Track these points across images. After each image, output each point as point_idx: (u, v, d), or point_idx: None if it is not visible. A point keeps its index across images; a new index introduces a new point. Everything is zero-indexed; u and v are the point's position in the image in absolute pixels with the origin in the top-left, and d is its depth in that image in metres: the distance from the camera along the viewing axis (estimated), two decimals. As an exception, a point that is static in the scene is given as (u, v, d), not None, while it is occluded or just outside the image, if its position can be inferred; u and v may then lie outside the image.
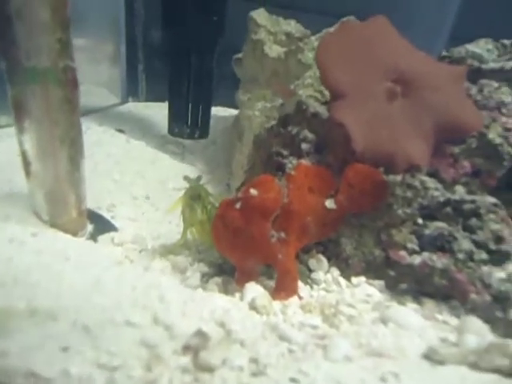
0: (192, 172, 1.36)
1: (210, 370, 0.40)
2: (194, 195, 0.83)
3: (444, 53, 1.05)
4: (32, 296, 0.43)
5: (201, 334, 0.43)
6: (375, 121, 0.69)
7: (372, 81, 0.72)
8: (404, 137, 0.68)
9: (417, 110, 0.71)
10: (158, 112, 1.94)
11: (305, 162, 0.69)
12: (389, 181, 0.67)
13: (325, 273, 0.71)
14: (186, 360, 0.41)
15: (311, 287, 0.69)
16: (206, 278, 0.78)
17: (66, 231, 0.67)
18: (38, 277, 0.45)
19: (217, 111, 1.97)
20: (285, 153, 0.72)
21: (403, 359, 0.44)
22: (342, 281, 0.69)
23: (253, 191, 0.57)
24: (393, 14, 0.77)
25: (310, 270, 0.73)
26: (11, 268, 0.45)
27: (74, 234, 0.69)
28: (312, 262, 0.73)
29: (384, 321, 0.52)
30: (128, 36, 2.15)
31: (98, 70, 2.06)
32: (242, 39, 1.38)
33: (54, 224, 0.66)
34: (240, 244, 0.60)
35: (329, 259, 0.74)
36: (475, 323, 0.51)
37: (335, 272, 0.71)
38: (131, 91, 2.26)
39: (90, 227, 0.76)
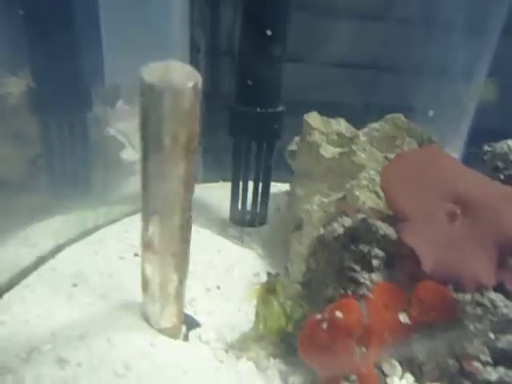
0: (254, 258, 1.48)
1: None
2: (270, 289, 0.90)
3: (486, 148, 1.15)
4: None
5: None
6: (440, 241, 0.78)
7: (432, 203, 0.82)
8: (469, 256, 0.76)
9: (477, 228, 0.80)
10: (215, 193, 2.11)
11: (377, 278, 0.77)
12: (458, 298, 0.74)
13: (399, 378, 0.77)
14: None
15: (388, 394, 0.74)
16: (283, 375, 0.85)
17: (168, 335, 0.79)
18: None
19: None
20: (357, 268, 0.81)
21: None
22: (418, 388, 0.74)
23: (338, 314, 0.66)
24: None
25: (384, 375, 0.79)
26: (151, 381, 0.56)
27: (174, 336, 0.81)
28: (385, 367, 0.79)
29: None
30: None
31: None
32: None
33: (160, 330, 0.78)
34: (326, 359, 0.68)
35: (400, 362, 0.79)
36: None
37: (410, 378, 0.77)
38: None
39: (183, 328, 0.87)
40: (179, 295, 0.78)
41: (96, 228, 1.19)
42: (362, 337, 0.69)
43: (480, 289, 0.73)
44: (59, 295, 0.82)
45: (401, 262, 0.80)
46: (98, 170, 1.73)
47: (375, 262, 0.80)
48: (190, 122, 0.56)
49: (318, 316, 0.69)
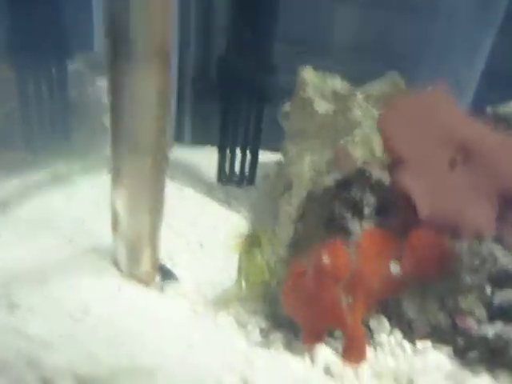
0: (239, 219, 1.41)
1: None
2: (255, 242, 0.84)
3: (488, 110, 1.08)
4: (134, 354, 0.47)
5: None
6: (438, 188, 0.72)
7: (432, 149, 0.75)
8: (468, 204, 0.70)
9: (478, 176, 0.73)
10: (202, 156, 2.03)
11: (369, 226, 0.71)
12: (454, 248, 0.68)
13: (387, 335, 0.72)
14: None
15: (375, 349, 0.70)
16: (264, 332, 0.80)
17: (140, 281, 0.72)
18: (137, 334, 0.49)
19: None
20: (347, 216, 0.75)
21: None
22: (407, 345, 0.69)
23: (325, 259, 0.60)
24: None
25: (371, 331, 0.74)
26: (112, 324, 0.50)
27: (147, 284, 0.74)
28: (373, 323, 0.74)
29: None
30: (178, 79, 2.30)
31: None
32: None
33: (131, 275, 0.71)
34: (310, 309, 0.62)
35: (389, 319, 0.74)
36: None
37: (398, 335, 0.72)
38: (177, 134, 2.39)
39: (157, 277, 0.80)
40: (152, 239, 0.71)
41: (71, 179, 1.11)
42: (350, 285, 0.64)
43: (479, 237, 0.68)
44: (23, 239, 0.75)
45: (394, 210, 0.74)
46: (80, 130, 1.65)
47: (367, 210, 0.74)
48: (162, 18, 0.47)
49: (304, 262, 0.63)
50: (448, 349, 0.67)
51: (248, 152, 1.47)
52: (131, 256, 0.70)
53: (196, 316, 0.72)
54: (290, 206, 1.27)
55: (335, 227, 0.76)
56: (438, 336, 0.70)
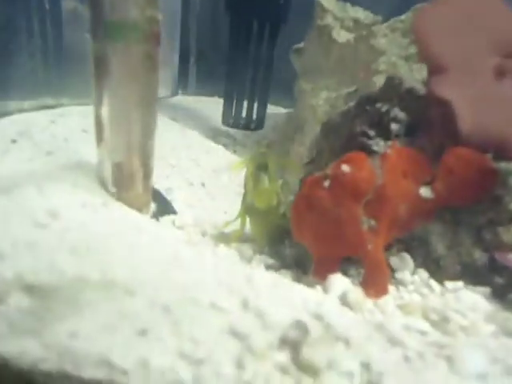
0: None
1: (313, 372, 0.33)
2: (262, 165, 0.72)
3: None
4: (107, 266, 0.38)
5: (300, 325, 0.35)
6: (483, 99, 0.59)
7: (478, 55, 0.62)
8: (519, 118, 0.58)
9: (532, 88, 0.60)
10: (208, 105, 1.91)
11: (397, 143, 0.60)
12: (499, 168, 0.56)
13: (411, 273, 0.62)
14: (284, 357, 0.33)
15: (397, 288, 0.60)
16: (270, 270, 0.71)
17: (130, 206, 0.63)
18: (113, 245, 0.40)
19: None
20: (371, 133, 0.63)
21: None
22: (435, 284, 0.59)
23: (345, 168, 0.49)
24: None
25: (392, 270, 0.64)
26: (84, 234, 0.40)
27: (139, 209, 0.65)
28: (394, 260, 0.64)
29: (509, 335, 0.43)
30: (182, 30, 2.15)
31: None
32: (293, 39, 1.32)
33: (119, 197, 0.62)
34: (325, 229, 0.52)
35: (413, 259, 0.64)
36: None
37: (423, 274, 0.61)
38: (181, 84, 2.26)
39: (153, 206, 0.71)
40: (144, 156, 0.61)
41: (59, 105, 1.00)
42: (372, 205, 0.53)
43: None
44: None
45: (427, 128, 0.62)
46: (73, 68, 1.53)
47: (394, 127, 0.62)
48: None
49: (319, 174, 0.52)
50: (484, 289, 0.57)
51: (256, 91, 1.34)
52: (119, 175, 0.60)
53: (191, 243, 0.63)
54: (302, 147, 1.16)
55: (354, 148, 0.64)
56: (472, 275, 0.59)
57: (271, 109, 2.06)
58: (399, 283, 0.61)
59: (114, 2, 0.43)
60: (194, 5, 2.15)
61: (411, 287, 0.60)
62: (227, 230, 0.84)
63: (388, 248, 0.65)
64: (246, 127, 1.40)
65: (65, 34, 1.42)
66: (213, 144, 1.38)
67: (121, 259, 0.38)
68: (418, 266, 0.63)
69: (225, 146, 1.44)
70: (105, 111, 0.51)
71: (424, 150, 0.62)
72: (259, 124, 1.42)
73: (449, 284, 0.59)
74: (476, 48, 0.62)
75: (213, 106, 1.78)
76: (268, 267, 0.72)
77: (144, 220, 0.56)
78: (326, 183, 0.50)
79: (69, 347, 0.33)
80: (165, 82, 2.17)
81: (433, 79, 0.60)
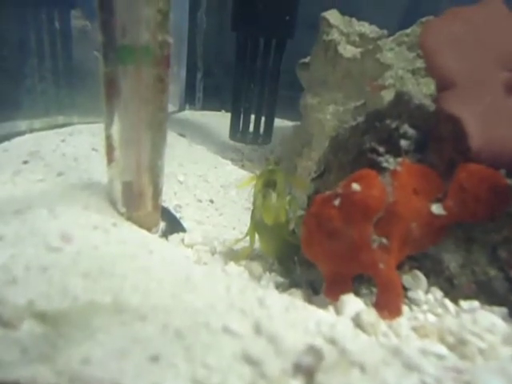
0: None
1: (329, 398, 0.32)
2: (270, 181, 0.72)
3: None
4: (118, 290, 0.37)
5: (314, 350, 0.35)
6: (493, 115, 0.59)
7: (487, 70, 0.62)
8: (531, 133, 0.57)
9: (542, 103, 0.60)
10: (215, 119, 1.93)
11: (407, 160, 0.60)
12: (512, 185, 0.56)
13: (425, 292, 0.61)
14: (298, 383, 0.33)
15: (410, 308, 0.59)
16: (280, 288, 0.70)
17: (140, 225, 0.63)
18: (125, 269, 0.40)
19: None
20: (381, 149, 0.63)
21: None
22: (450, 304, 0.58)
23: (355, 186, 0.49)
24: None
25: (405, 289, 0.63)
26: (96, 257, 0.40)
27: (148, 229, 0.65)
28: (406, 279, 0.62)
29: (529, 357, 0.41)
30: (189, 46, 2.19)
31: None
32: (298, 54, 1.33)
33: (129, 217, 0.62)
34: (335, 248, 0.52)
35: (427, 277, 0.63)
36: None
37: (437, 293, 0.60)
38: (188, 99, 2.29)
39: (162, 224, 0.71)
40: (153, 174, 0.61)
41: (69, 124, 1.02)
42: (383, 223, 0.53)
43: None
44: (5, 172, 0.66)
45: (437, 144, 0.62)
46: (83, 87, 1.56)
47: (404, 143, 0.62)
48: None
49: (329, 192, 0.52)
50: (501, 309, 0.56)
51: (263, 106, 1.35)
52: (129, 194, 0.61)
53: (201, 262, 0.63)
54: (310, 161, 1.16)
55: (364, 164, 0.64)
56: (488, 295, 0.58)
57: (278, 122, 2.07)
58: (413, 303, 0.59)
59: (125, 26, 0.44)
60: (201, 20, 2.19)
61: (425, 307, 0.58)
62: (237, 247, 0.84)
63: (400, 266, 0.64)
64: (254, 142, 1.41)
65: (74, 52, 1.45)
66: (220, 159, 1.39)
67: (132, 283, 0.38)
68: (430, 284, 0.62)
69: (233, 160, 1.44)
70: (115, 132, 0.52)
71: (434, 166, 0.62)
72: (266, 138, 1.43)
73: (464, 304, 0.57)
74: (484, 63, 0.62)
75: (220, 121, 1.80)
76: (278, 286, 0.71)
77: (154, 240, 0.56)
78: (337, 202, 0.50)
79: (81, 373, 0.32)
80: (172, 98, 2.21)
81: (442, 95, 0.60)
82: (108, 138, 0.52)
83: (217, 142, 1.57)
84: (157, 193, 0.63)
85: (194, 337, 0.35)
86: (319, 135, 1.14)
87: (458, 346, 0.44)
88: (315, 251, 0.53)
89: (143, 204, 0.62)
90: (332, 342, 0.37)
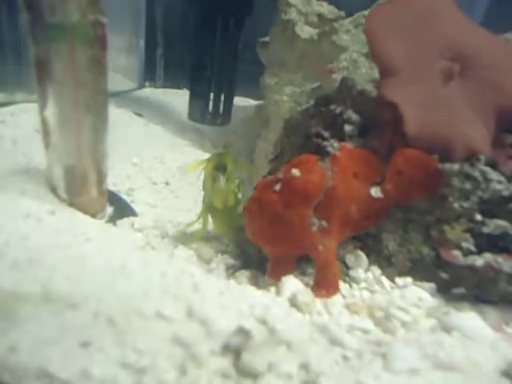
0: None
1: (253, 375, 0.34)
2: (220, 165, 0.73)
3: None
4: (48, 279, 0.37)
5: (243, 331, 0.36)
6: (430, 102, 0.62)
7: (427, 58, 0.64)
8: (463, 121, 0.60)
9: (476, 91, 0.63)
10: (176, 98, 1.88)
11: (349, 144, 0.62)
12: (444, 169, 0.59)
13: (365, 271, 0.64)
14: (226, 362, 0.34)
15: (350, 286, 0.62)
16: (231, 270, 0.72)
17: (84, 211, 0.62)
18: (56, 258, 0.39)
19: (237, 101, 1.91)
20: (325, 134, 0.65)
21: (478, 374, 0.37)
22: (386, 281, 0.61)
23: (295, 171, 0.50)
24: None
25: (347, 267, 0.67)
26: (26, 247, 0.39)
27: (93, 215, 0.64)
28: (349, 258, 0.66)
29: (446, 329, 0.45)
30: (147, 19, 2.09)
31: (116, 55, 2.01)
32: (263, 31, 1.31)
33: (72, 203, 0.61)
34: (276, 231, 0.53)
35: (368, 256, 0.67)
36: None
37: (376, 271, 0.64)
38: (148, 76, 2.21)
39: (109, 210, 0.70)
40: (95, 158, 0.59)
41: (12, 103, 0.96)
42: (323, 206, 0.55)
43: (471, 157, 0.59)
44: None
45: (379, 129, 0.64)
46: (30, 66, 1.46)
47: (348, 128, 0.64)
48: None
49: (270, 177, 0.53)
50: (430, 285, 0.60)
51: (222, 86, 1.33)
52: (70, 180, 0.59)
53: (147, 248, 0.63)
54: (267, 143, 1.16)
55: (310, 148, 0.66)
56: (420, 271, 0.62)
57: (242, 101, 2.05)
58: (353, 281, 0.63)
59: (53, 4, 0.42)
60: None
61: (363, 284, 0.62)
62: (191, 229, 0.84)
63: (343, 246, 0.68)
64: (212, 122, 1.39)
65: (20, 26, 1.35)
66: (179, 139, 1.37)
67: (64, 272, 0.38)
68: (372, 263, 0.66)
69: (192, 141, 1.42)
70: (50, 115, 0.49)
71: (376, 150, 0.64)
72: (226, 119, 1.42)
73: (399, 280, 0.62)
74: (426, 51, 0.64)
75: (181, 99, 1.75)
76: (229, 268, 0.73)
77: (95, 227, 0.55)
78: (277, 187, 0.51)
79: (6, 361, 0.32)
80: (131, 74, 2.12)
81: (383, 82, 0.62)
82: (43, 121, 0.50)
83: (176, 121, 1.54)
84: (101, 177, 0.61)
85: (125, 323, 0.36)
86: (276, 116, 1.15)
87: (384, 320, 0.47)
88: (258, 235, 0.55)
89: (86, 189, 0.61)
90: (263, 322, 0.39)
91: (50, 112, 0.49)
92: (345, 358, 0.38)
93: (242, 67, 1.46)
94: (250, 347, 0.35)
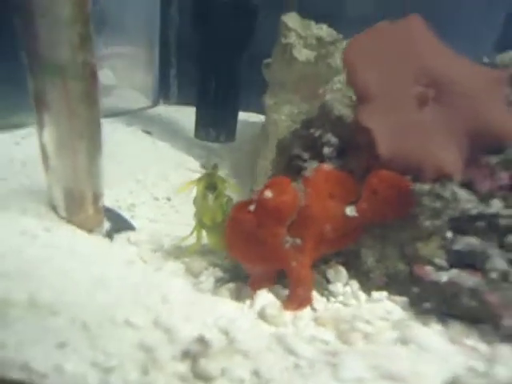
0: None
1: (207, 379, 0.38)
2: (210, 185, 0.78)
3: (485, 59, 0.99)
4: (35, 289, 0.42)
5: (202, 340, 0.40)
6: (404, 126, 0.65)
7: (402, 84, 0.68)
8: (435, 144, 0.63)
9: (449, 116, 0.66)
10: (187, 115, 1.96)
11: (326, 165, 0.65)
12: (416, 190, 0.62)
13: (344, 285, 0.67)
14: (183, 367, 0.39)
15: (327, 299, 0.65)
16: (220, 283, 0.76)
17: (81, 228, 0.67)
18: (44, 271, 0.45)
19: (248, 117, 1.96)
20: (305, 156, 0.69)
21: (422, 386, 0.40)
22: (362, 295, 0.64)
23: (267, 193, 0.54)
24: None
25: (328, 281, 0.70)
26: (19, 259, 0.45)
27: (90, 231, 0.69)
28: (330, 273, 0.69)
29: (404, 341, 0.48)
30: (162, 40, 2.21)
31: (132, 74, 2.12)
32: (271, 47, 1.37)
33: (70, 220, 0.67)
34: (252, 248, 0.57)
35: (348, 271, 0.69)
36: (508, 352, 0.45)
37: (355, 285, 0.67)
38: (163, 94, 2.31)
39: (107, 225, 0.76)
40: (92, 178, 0.65)
41: (26, 125, 1.04)
42: (298, 226, 0.58)
43: (443, 179, 0.61)
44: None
45: (356, 151, 0.67)
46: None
47: (326, 150, 0.68)
48: None
49: (246, 199, 0.57)
50: (403, 299, 0.63)
51: (226, 105, 1.39)
52: (68, 200, 0.65)
53: (138, 261, 0.68)
54: (266, 160, 1.21)
55: (293, 169, 0.70)
56: (396, 286, 0.65)
57: (253, 117, 2.10)
58: (331, 294, 0.66)
59: (49, 42, 0.48)
60: (174, 17, 2.20)
61: (340, 298, 0.65)
62: (186, 243, 0.89)
63: (327, 261, 0.71)
64: (216, 140, 1.45)
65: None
66: (184, 156, 1.43)
67: (50, 283, 0.43)
68: (351, 277, 0.69)
69: (199, 157, 1.48)
70: (48, 141, 0.56)
71: (353, 171, 0.67)
72: (229, 137, 1.48)
73: (375, 294, 0.64)
74: (400, 77, 0.68)
75: (192, 116, 1.83)
76: (218, 280, 0.76)
77: (87, 242, 0.61)
78: (252, 207, 0.55)
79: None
80: (145, 92, 2.22)
81: (359, 108, 0.66)
82: (42, 147, 0.56)
83: (184, 139, 1.61)
84: (97, 197, 0.67)
85: (98, 328, 0.40)
86: (274, 135, 1.20)
87: (347, 332, 0.50)
88: (236, 251, 0.59)
89: (84, 208, 0.67)
90: (225, 333, 0.43)
91: (48, 138, 0.55)
92: (297, 366, 0.41)
93: (257, 80, 1.50)
94: (208, 354, 0.39)
